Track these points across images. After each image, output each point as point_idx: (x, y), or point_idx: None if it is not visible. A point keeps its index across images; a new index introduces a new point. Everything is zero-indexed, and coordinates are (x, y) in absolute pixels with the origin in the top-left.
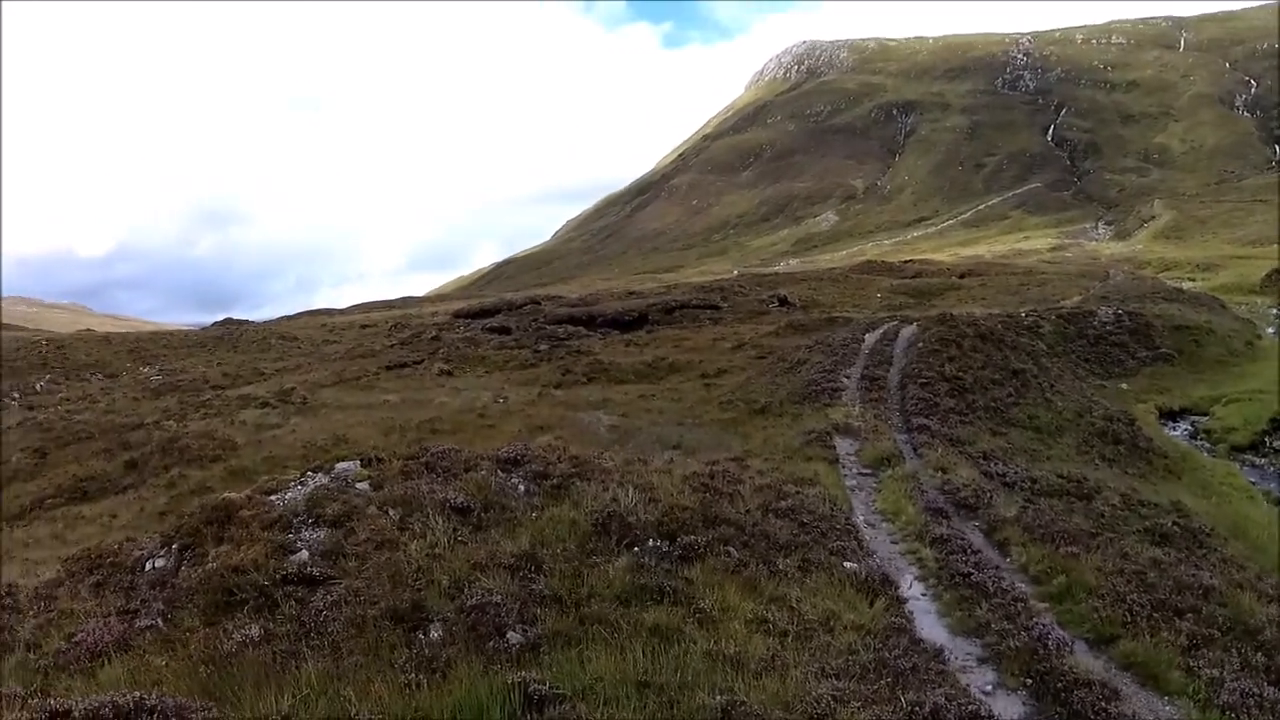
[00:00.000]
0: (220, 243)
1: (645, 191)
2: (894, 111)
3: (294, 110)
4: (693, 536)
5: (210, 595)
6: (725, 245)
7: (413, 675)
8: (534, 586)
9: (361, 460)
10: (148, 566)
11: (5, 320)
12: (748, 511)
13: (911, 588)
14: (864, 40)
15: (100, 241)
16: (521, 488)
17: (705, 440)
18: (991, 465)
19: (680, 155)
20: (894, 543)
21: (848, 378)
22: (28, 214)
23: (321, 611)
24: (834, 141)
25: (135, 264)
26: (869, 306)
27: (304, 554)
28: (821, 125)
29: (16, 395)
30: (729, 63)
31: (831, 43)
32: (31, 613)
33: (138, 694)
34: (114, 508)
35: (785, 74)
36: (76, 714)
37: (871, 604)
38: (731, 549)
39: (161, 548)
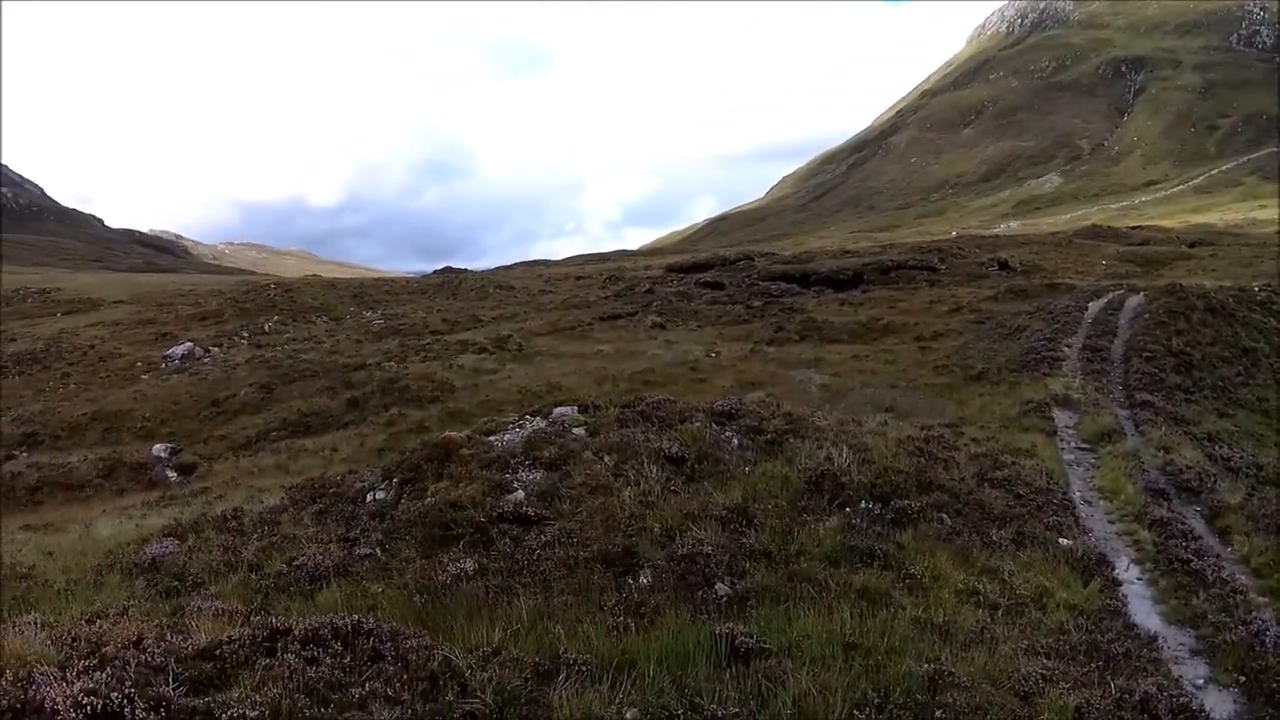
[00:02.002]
0: (444, 195)
1: (862, 149)
2: (1122, 68)
3: (524, 66)
4: (906, 501)
5: (428, 528)
6: (944, 205)
7: (621, 618)
8: (744, 540)
9: (578, 406)
10: (368, 498)
11: (239, 265)
12: (962, 480)
13: (1127, 570)
14: None
15: (331, 192)
16: (735, 441)
17: (919, 404)
18: (1216, 448)
19: (898, 112)
20: (1111, 522)
21: (1069, 347)
22: (264, 164)
23: (534, 550)
24: (1059, 99)
25: (363, 214)
26: (1093, 273)
27: (520, 494)
28: (1046, 82)
29: (246, 335)
30: (951, 16)
31: None
32: (255, 536)
33: (355, 617)
34: (335, 442)
35: (1008, 28)
36: (296, 633)
37: (1085, 584)
38: (944, 516)
39: (382, 481)
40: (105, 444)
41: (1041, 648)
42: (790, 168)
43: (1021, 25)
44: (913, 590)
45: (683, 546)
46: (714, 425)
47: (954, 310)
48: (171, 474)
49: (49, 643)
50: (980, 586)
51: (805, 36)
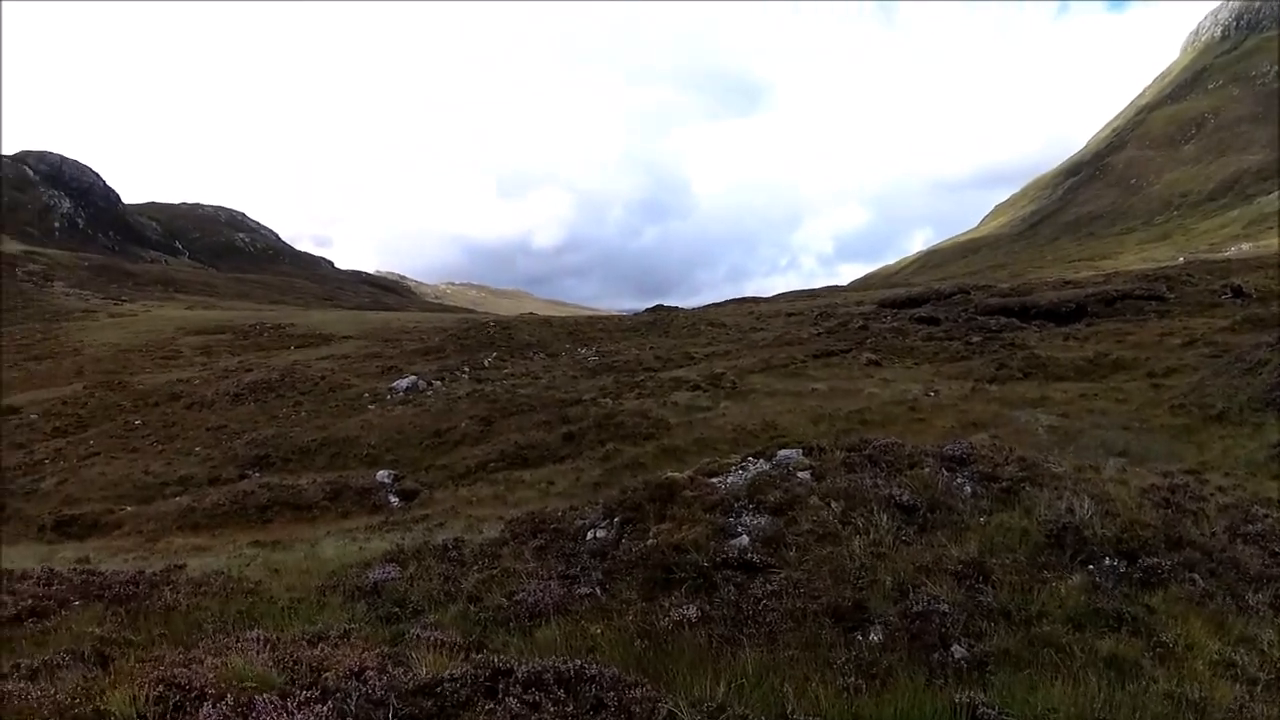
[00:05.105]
0: (661, 233)
1: (1078, 171)
2: None
3: (741, 102)
4: (1155, 559)
5: (649, 571)
6: (1168, 229)
7: (851, 678)
8: (980, 598)
9: (803, 449)
10: (589, 536)
11: (459, 304)
12: (1213, 535)
13: None
14: None
15: (554, 232)
16: (968, 489)
17: (1155, 448)
18: None
19: (1114, 130)
20: None
21: None
22: (492, 207)
23: (760, 600)
24: None
25: (582, 253)
26: None
27: (744, 539)
28: (1269, 88)
29: (467, 369)
30: (1167, 22)
31: None
32: (475, 567)
33: (578, 663)
34: (551, 475)
35: (1223, 31)
36: (519, 675)
37: None
38: (1196, 576)
39: (603, 519)
40: (332, 468)
41: None
42: (1008, 192)
43: (1237, 28)
44: (1163, 660)
45: (917, 603)
46: (945, 471)
47: (1187, 343)
48: (394, 499)
49: (271, 664)
50: (1237, 657)
51: (1024, 51)
